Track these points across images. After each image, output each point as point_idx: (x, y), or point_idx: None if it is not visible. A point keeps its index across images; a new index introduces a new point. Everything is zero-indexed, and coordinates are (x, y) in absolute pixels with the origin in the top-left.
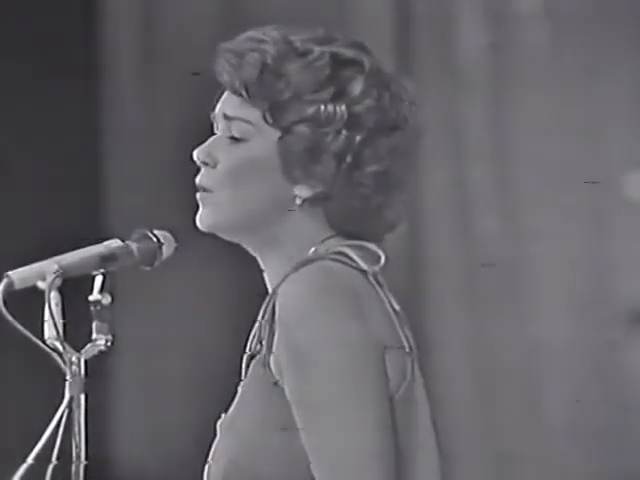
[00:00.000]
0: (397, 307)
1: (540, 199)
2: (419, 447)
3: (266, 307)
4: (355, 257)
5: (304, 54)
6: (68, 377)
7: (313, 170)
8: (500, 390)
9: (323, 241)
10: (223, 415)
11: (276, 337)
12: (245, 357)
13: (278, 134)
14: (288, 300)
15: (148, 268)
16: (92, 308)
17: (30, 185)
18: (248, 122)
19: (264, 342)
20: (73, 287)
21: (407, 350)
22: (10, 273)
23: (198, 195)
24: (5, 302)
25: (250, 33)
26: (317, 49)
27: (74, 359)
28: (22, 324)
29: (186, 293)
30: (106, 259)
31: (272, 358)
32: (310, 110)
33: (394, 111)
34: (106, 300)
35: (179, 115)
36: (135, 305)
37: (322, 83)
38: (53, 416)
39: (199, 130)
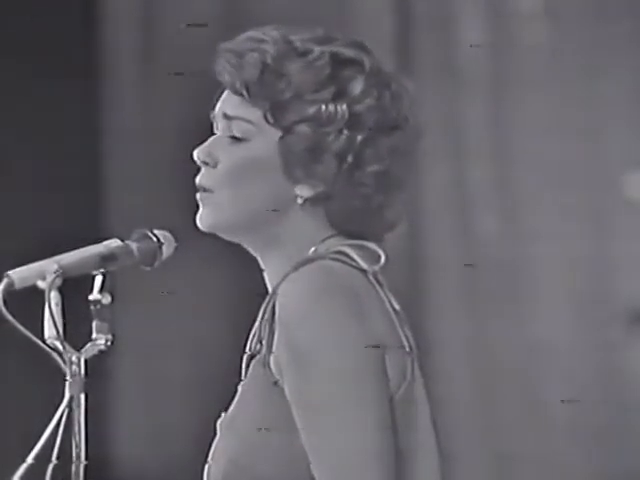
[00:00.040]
0: (397, 307)
1: (540, 199)
2: (419, 447)
3: (266, 307)
4: (355, 256)
5: (304, 54)
6: (68, 377)
7: (314, 170)
8: (500, 390)
9: (323, 240)
10: (223, 414)
11: (276, 337)
12: (245, 357)
13: (279, 134)
14: (288, 300)
15: (148, 268)
16: (92, 308)
17: (30, 185)
18: (249, 122)
19: (264, 342)
20: (73, 287)
21: (407, 350)
22: (10, 273)
23: (198, 195)
24: (5, 302)
25: (250, 33)
26: (317, 49)
27: (74, 359)
28: (22, 324)
29: (186, 293)
30: (106, 259)
31: (272, 358)
32: (311, 110)
33: (395, 110)
34: (106, 300)
35: (179, 115)
36: (135, 305)
37: (323, 83)
38: (53, 416)
39: (199, 130)
